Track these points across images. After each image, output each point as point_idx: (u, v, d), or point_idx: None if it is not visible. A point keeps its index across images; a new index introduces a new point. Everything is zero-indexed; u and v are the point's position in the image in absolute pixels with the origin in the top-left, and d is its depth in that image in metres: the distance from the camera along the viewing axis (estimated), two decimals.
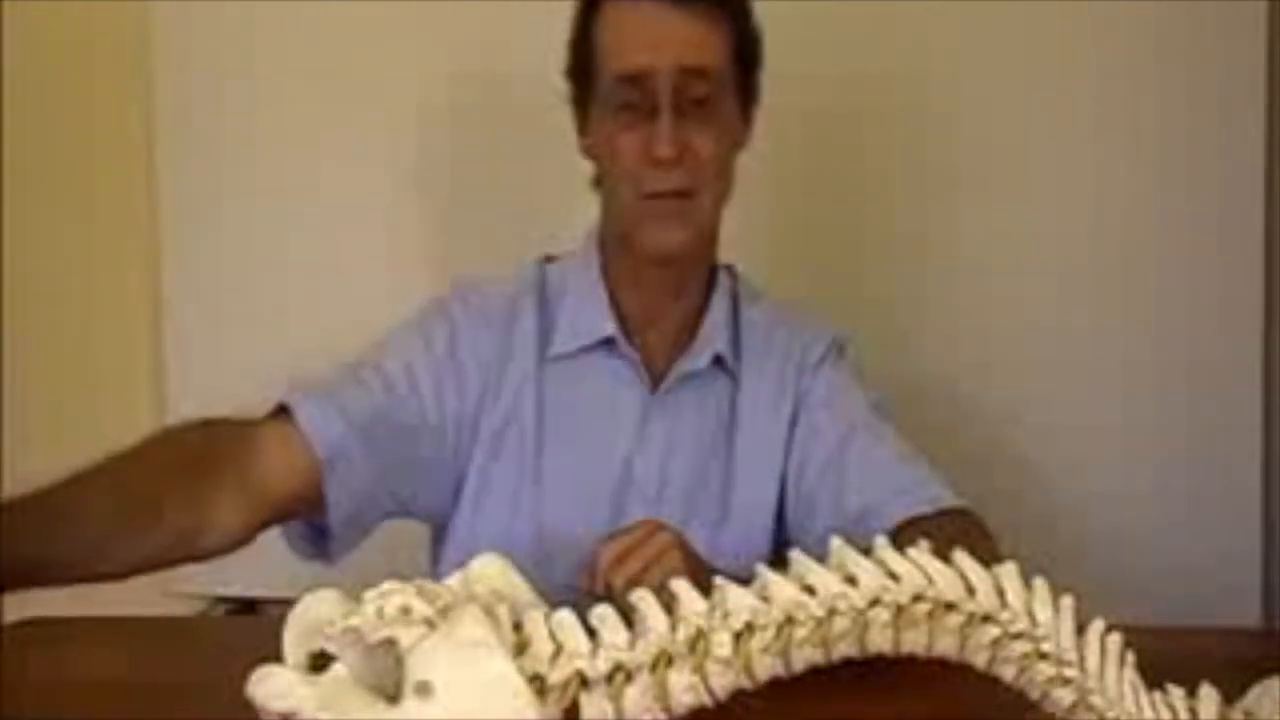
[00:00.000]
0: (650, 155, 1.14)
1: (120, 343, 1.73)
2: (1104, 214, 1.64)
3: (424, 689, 0.59)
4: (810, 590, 0.67)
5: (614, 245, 1.25)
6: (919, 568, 0.68)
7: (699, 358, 1.24)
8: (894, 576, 0.68)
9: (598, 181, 1.23)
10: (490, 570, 0.68)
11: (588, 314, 1.23)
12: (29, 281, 1.70)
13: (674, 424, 1.23)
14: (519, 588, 0.68)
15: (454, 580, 0.67)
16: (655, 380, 1.24)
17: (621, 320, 1.24)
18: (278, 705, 0.60)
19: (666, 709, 0.66)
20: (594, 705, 0.64)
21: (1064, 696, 0.69)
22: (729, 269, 1.31)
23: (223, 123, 1.71)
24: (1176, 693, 0.71)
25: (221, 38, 1.70)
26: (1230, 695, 0.72)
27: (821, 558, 0.69)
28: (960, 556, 0.69)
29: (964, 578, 0.68)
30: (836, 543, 0.69)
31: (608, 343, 1.23)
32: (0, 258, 1.69)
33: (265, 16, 1.69)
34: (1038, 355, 1.65)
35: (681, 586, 0.67)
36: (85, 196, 1.72)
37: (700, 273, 1.26)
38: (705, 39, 1.16)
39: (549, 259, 1.30)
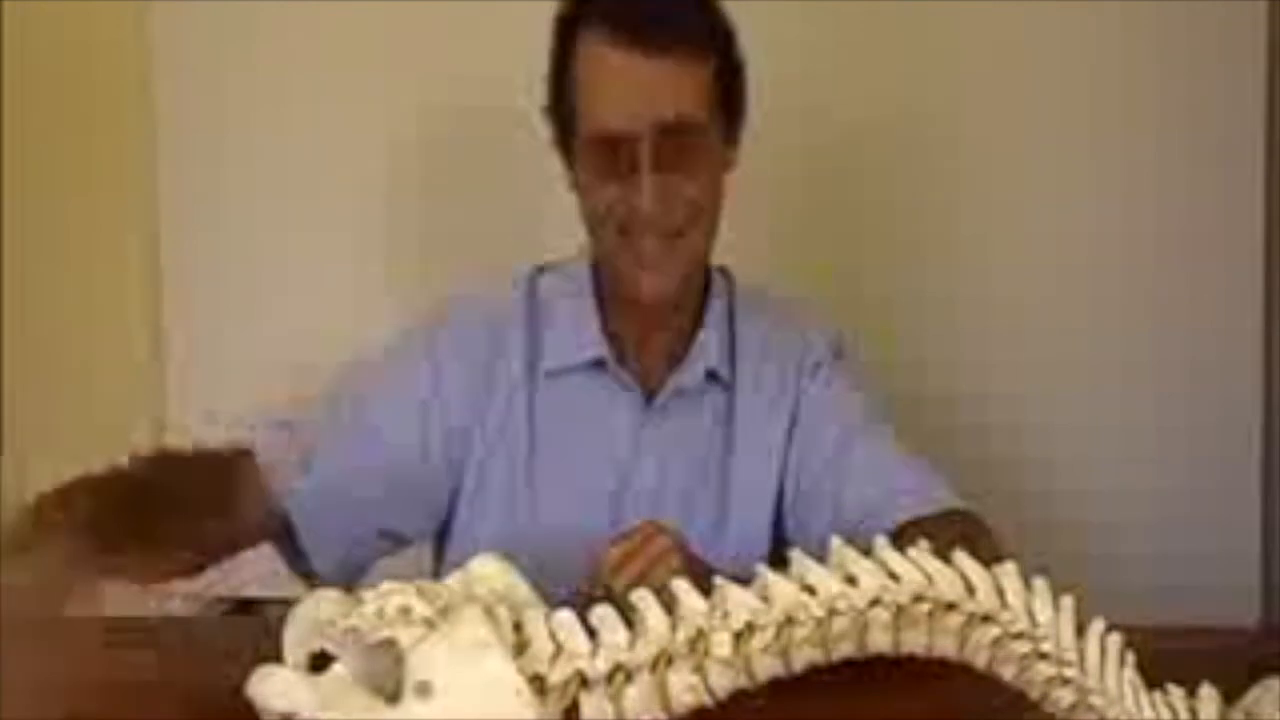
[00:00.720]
0: (632, 209, 1.11)
1: (120, 343, 1.73)
2: (1104, 214, 1.64)
3: (424, 689, 0.59)
4: (810, 590, 0.67)
5: (602, 269, 1.23)
6: (919, 568, 0.68)
7: (691, 374, 1.23)
8: (894, 576, 0.68)
9: (586, 213, 1.20)
10: (490, 570, 0.68)
11: (579, 333, 1.22)
12: (29, 281, 1.70)
13: (669, 436, 1.22)
14: (519, 588, 0.68)
15: (454, 580, 0.67)
16: (649, 394, 1.23)
17: (613, 339, 1.22)
18: (278, 705, 0.60)
19: (666, 709, 0.66)
20: (594, 705, 0.64)
21: (1064, 696, 0.69)
22: (724, 271, 1.30)
23: (223, 123, 1.71)
24: (1176, 693, 0.71)
25: (221, 38, 1.70)
26: (1230, 695, 0.72)
27: (821, 558, 0.69)
28: (960, 557, 0.69)
29: (964, 578, 0.68)
30: (836, 543, 0.69)
31: (598, 364, 1.22)
32: (0, 258, 1.68)
33: (265, 17, 1.69)
34: (1038, 355, 1.65)
35: (682, 587, 0.67)
36: (85, 196, 1.72)
37: (694, 293, 1.24)
38: (684, 86, 1.11)
39: (543, 268, 1.29)
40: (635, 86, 1.09)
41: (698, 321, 1.24)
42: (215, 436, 1.12)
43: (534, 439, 1.21)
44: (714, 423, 1.24)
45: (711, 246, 1.21)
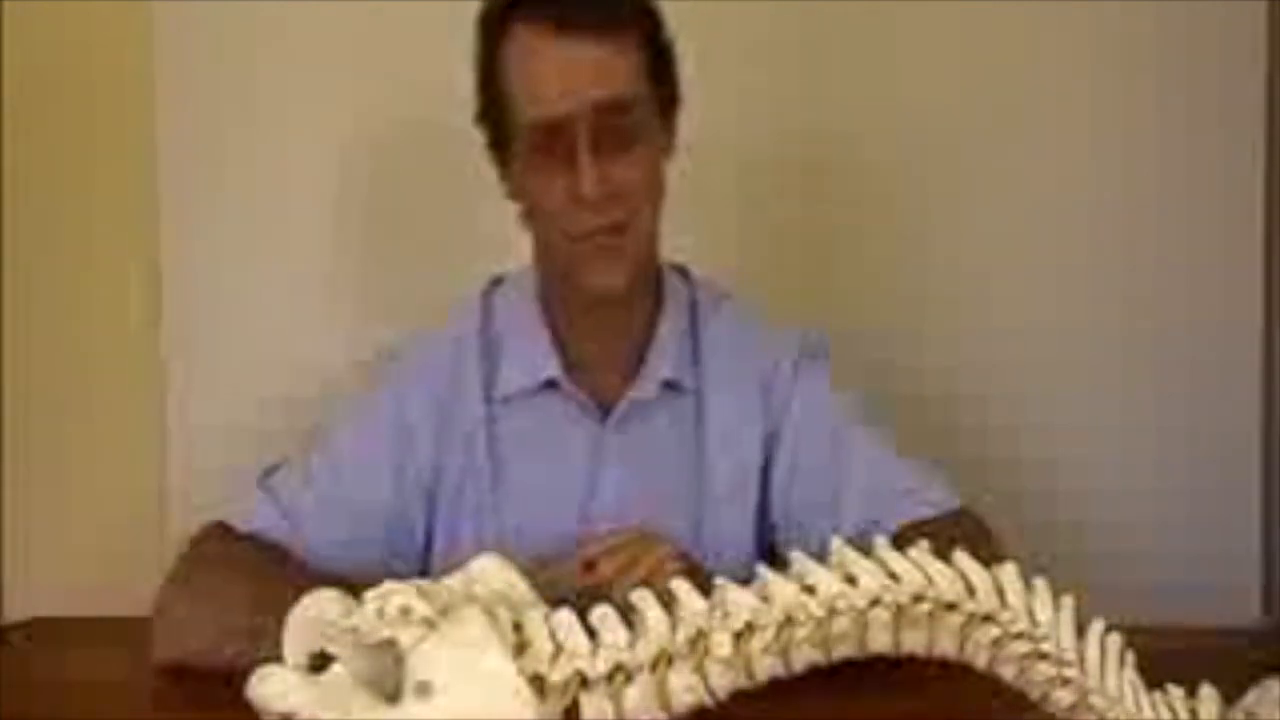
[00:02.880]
0: (575, 197, 1.10)
1: (120, 343, 1.73)
2: (1104, 214, 1.64)
3: (424, 689, 0.59)
4: (810, 590, 0.67)
5: (551, 282, 1.21)
6: (919, 568, 0.68)
7: (646, 386, 1.20)
8: (894, 576, 0.68)
9: (527, 217, 1.19)
10: (490, 570, 0.68)
11: (530, 355, 1.20)
12: (29, 281, 1.70)
13: (630, 458, 1.20)
14: (519, 588, 0.68)
15: (454, 580, 0.67)
16: (606, 411, 1.21)
17: (566, 357, 1.20)
18: (278, 705, 0.60)
19: (666, 709, 0.65)
20: (594, 705, 0.64)
21: (1064, 696, 0.69)
22: (682, 272, 1.28)
23: (223, 123, 1.71)
24: (1176, 693, 0.71)
25: (222, 38, 1.70)
26: (1230, 695, 0.72)
27: (822, 559, 0.69)
28: (960, 557, 0.69)
29: (964, 578, 0.68)
30: (836, 543, 0.69)
31: (551, 384, 1.20)
32: (0, 258, 1.68)
33: (266, 17, 1.69)
34: (1038, 355, 1.65)
35: (682, 587, 0.67)
36: (85, 196, 1.72)
37: (644, 296, 1.22)
38: (615, 67, 1.10)
39: (498, 280, 1.27)
40: (566, 69, 1.09)
41: (651, 333, 1.22)
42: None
43: (496, 471, 1.20)
44: (682, 429, 1.21)
45: (656, 233, 1.18)
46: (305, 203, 1.71)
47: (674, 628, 0.66)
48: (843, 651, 0.68)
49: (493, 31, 1.14)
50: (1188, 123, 1.62)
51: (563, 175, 1.10)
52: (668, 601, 0.67)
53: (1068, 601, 0.70)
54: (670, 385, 1.21)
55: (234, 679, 0.62)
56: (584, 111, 1.08)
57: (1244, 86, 1.62)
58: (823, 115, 1.62)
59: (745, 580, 0.69)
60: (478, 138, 1.22)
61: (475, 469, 1.19)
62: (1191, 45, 1.62)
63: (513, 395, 1.20)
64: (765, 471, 1.22)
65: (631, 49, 1.12)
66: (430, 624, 0.61)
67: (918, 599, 0.67)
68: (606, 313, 1.19)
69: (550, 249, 1.17)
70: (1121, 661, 0.70)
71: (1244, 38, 1.61)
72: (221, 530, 1.14)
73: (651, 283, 1.23)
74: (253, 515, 1.15)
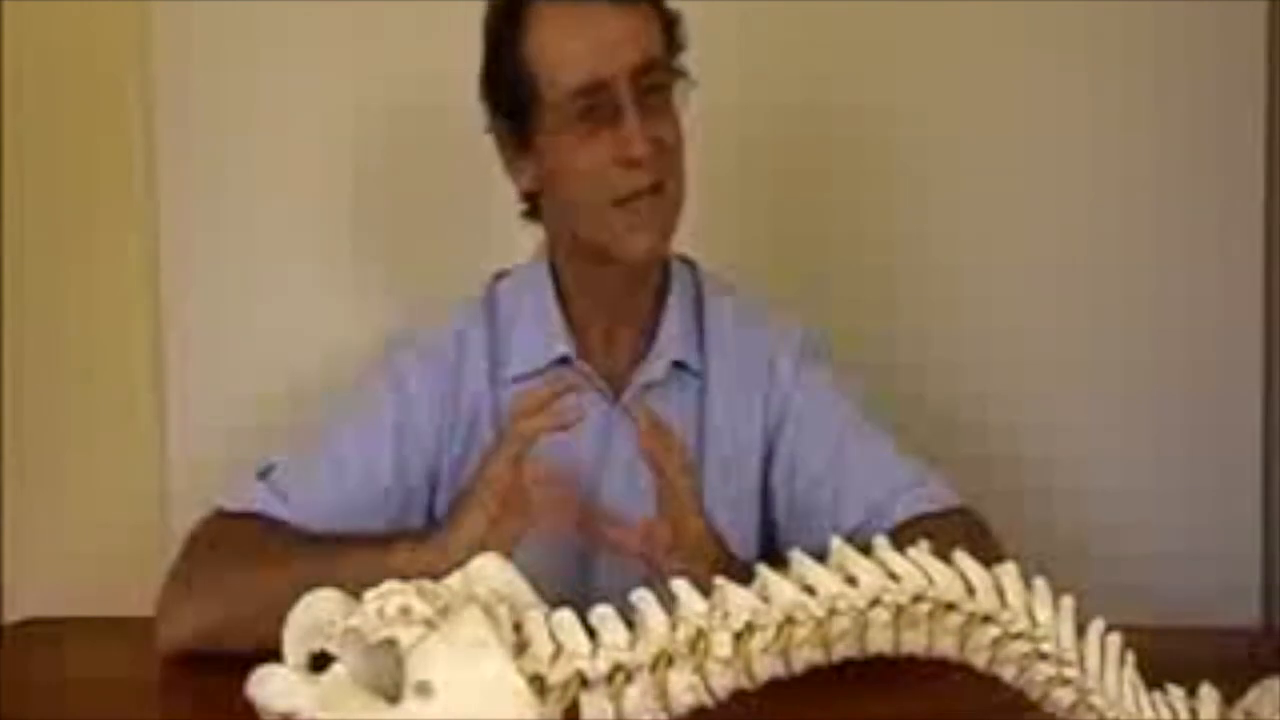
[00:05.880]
0: (623, 157, 1.13)
1: (120, 343, 1.73)
2: (1103, 214, 1.64)
3: (424, 689, 0.59)
4: (810, 590, 0.67)
5: (570, 264, 1.23)
6: (919, 568, 0.68)
7: (656, 367, 1.22)
8: (894, 576, 0.68)
9: (530, 212, 1.22)
10: (490, 570, 0.68)
11: (541, 334, 1.22)
12: (29, 281, 1.70)
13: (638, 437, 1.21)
14: (519, 588, 0.68)
15: (454, 580, 0.67)
16: (616, 392, 1.22)
17: (578, 337, 1.22)
18: (278, 705, 0.60)
19: (666, 709, 0.65)
20: (594, 705, 0.64)
21: (1064, 696, 0.69)
22: (688, 263, 1.29)
23: (223, 123, 1.71)
24: (1176, 693, 0.71)
25: (221, 38, 1.70)
26: (1230, 695, 0.72)
27: (822, 558, 0.69)
28: (960, 556, 0.69)
29: (964, 578, 0.68)
30: (836, 543, 0.69)
31: (563, 361, 1.22)
32: (0, 258, 1.68)
33: (266, 16, 1.69)
34: (1038, 354, 1.65)
35: (681, 587, 0.67)
36: (85, 197, 1.72)
37: (654, 279, 1.24)
38: (644, 30, 1.15)
39: (502, 274, 1.29)
40: (599, 36, 1.13)
41: (660, 314, 1.24)
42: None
43: None
44: (687, 411, 1.23)
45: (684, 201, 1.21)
46: (304, 202, 1.71)
47: (674, 628, 0.65)
48: (843, 651, 0.68)
49: (513, 21, 1.17)
50: (1188, 123, 1.62)
51: (607, 138, 1.13)
52: (668, 601, 0.67)
53: (1068, 601, 0.70)
54: (679, 365, 1.23)
55: (235, 678, 0.62)
56: (625, 71, 1.12)
57: (1244, 86, 1.62)
58: (822, 115, 1.62)
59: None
60: (478, 136, 1.22)
61: (480, 447, 1.20)
62: (1191, 45, 1.62)
63: (523, 375, 1.22)
64: (766, 467, 1.23)
65: (652, 17, 1.17)
66: (430, 624, 0.61)
67: (918, 599, 0.67)
68: (617, 291, 1.22)
69: (583, 222, 1.18)
70: (1121, 661, 0.70)
71: (1244, 38, 1.61)
72: (219, 520, 1.15)
73: (659, 267, 1.25)
74: (252, 504, 1.16)
